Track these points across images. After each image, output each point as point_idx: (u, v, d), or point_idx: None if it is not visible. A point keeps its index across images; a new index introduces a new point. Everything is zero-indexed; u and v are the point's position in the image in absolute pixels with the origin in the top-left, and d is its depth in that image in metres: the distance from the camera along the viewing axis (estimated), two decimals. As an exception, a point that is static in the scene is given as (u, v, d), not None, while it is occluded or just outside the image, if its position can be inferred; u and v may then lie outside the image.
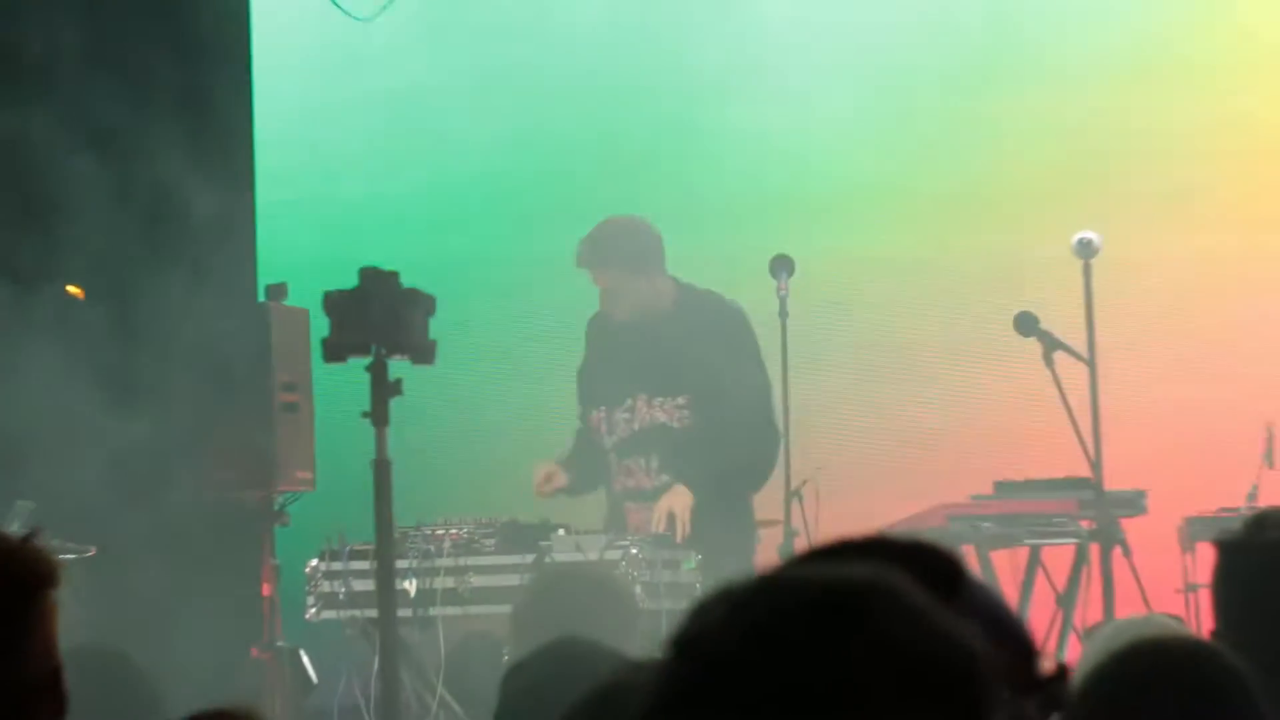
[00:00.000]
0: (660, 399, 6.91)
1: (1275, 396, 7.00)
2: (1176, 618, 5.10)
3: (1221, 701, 2.32)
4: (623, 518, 6.94)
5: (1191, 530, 6.37)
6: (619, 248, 6.99)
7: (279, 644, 6.59)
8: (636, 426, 6.96)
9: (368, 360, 5.56)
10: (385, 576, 5.79)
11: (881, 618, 1.02)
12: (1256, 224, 8.04)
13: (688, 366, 6.88)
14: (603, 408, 7.02)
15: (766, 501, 6.79)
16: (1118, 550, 6.36)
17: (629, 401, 6.95)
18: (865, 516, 6.83)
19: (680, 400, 6.85)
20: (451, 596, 6.48)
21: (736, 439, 6.77)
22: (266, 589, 6.55)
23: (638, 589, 6.04)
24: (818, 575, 1.08)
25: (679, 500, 6.77)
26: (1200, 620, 5.40)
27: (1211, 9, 8.24)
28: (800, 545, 6.49)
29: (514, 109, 8.47)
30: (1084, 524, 6.52)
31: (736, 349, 6.92)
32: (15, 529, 4.74)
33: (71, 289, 6.46)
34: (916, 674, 1.02)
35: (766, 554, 6.78)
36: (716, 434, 6.77)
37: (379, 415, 5.55)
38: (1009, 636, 1.28)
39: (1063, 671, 1.27)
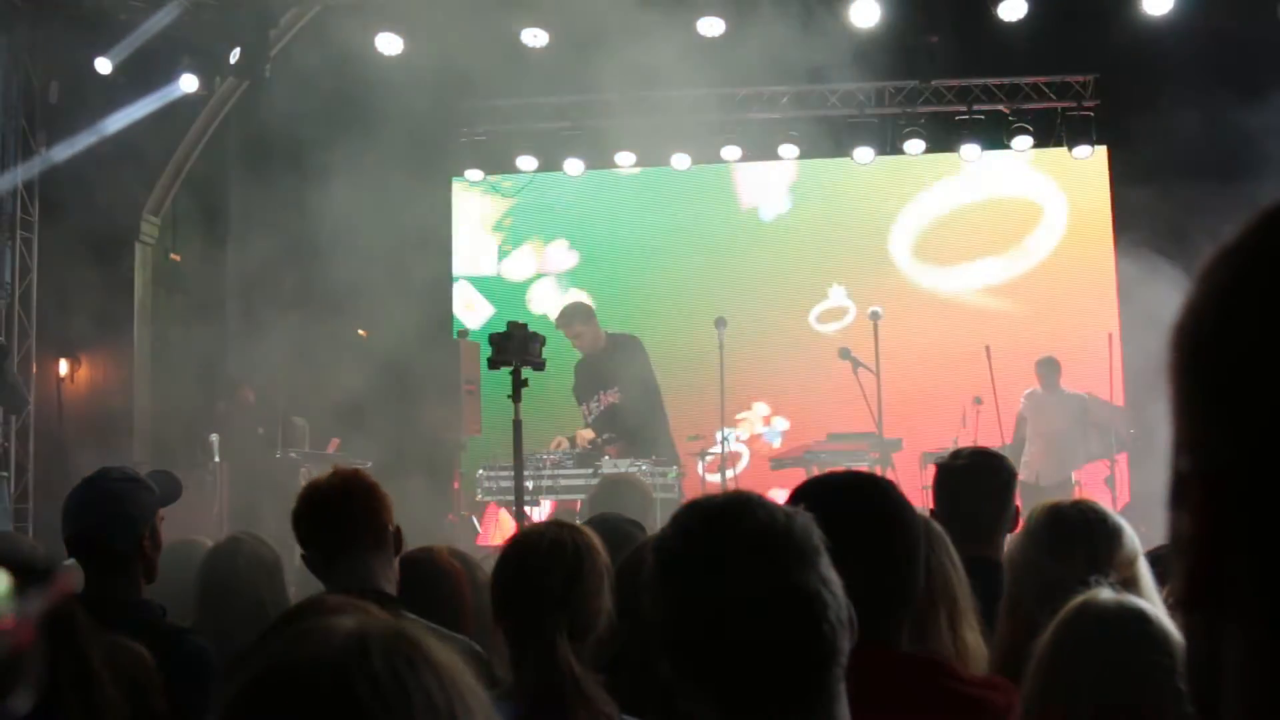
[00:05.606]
0: (607, 390, 8.80)
1: (971, 389, 9.47)
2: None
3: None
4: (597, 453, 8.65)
5: (925, 459, 8.62)
6: (575, 318, 8.97)
7: (462, 513, 9.08)
8: (601, 408, 8.82)
9: (511, 369, 6.47)
10: (518, 479, 6.80)
11: (745, 516, 1.33)
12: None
13: (616, 371, 8.81)
14: (585, 403, 8.94)
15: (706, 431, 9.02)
16: (890, 469, 8.62)
17: (597, 396, 8.83)
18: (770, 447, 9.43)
19: (615, 388, 8.80)
20: (550, 490, 8.56)
21: (640, 405, 8.73)
22: (456, 484, 9.06)
23: (649, 486, 6.55)
24: (722, 500, 1.36)
25: (583, 435, 8.72)
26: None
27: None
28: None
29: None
30: (873, 455, 8.75)
31: (638, 360, 8.97)
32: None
33: (361, 331, 9.28)
34: (757, 539, 1.32)
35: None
36: (629, 401, 8.74)
37: (515, 396, 6.47)
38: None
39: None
